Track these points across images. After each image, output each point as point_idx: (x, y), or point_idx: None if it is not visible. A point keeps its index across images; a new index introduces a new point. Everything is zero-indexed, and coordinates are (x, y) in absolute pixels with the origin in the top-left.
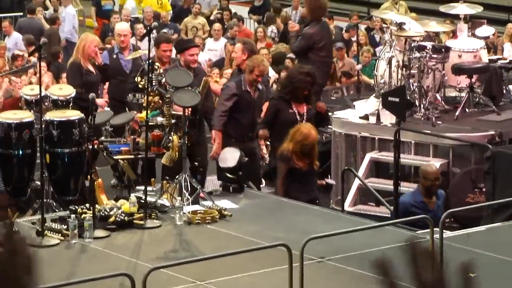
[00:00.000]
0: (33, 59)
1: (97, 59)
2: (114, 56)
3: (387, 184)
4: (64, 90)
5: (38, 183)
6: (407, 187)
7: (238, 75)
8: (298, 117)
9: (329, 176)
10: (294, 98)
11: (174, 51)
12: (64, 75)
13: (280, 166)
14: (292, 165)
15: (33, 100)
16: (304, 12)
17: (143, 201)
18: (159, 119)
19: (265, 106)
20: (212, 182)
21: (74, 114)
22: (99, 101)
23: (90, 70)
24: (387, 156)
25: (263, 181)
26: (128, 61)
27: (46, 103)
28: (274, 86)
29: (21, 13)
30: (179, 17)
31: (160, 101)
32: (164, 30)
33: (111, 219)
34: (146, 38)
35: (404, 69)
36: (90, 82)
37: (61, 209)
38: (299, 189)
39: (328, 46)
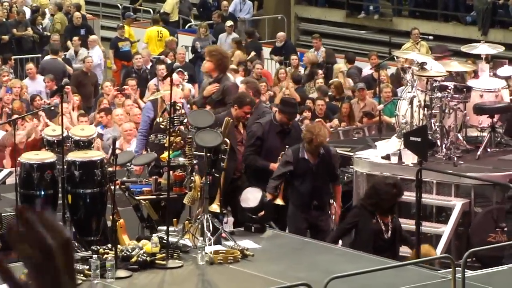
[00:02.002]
0: (55, 100)
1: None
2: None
3: (408, 224)
4: (86, 131)
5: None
6: (429, 227)
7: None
8: (383, 226)
9: None
10: (378, 210)
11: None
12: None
13: None
14: None
15: (55, 141)
16: (210, 67)
17: (165, 241)
18: (181, 159)
19: (338, 192)
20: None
21: (96, 155)
22: None
23: None
24: (409, 196)
25: None
26: None
27: (68, 144)
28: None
29: (40, 55)
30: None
31: (182, 141)
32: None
33: (133, 259)
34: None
35: (425, 109)
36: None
37: (83, 249)
38: None
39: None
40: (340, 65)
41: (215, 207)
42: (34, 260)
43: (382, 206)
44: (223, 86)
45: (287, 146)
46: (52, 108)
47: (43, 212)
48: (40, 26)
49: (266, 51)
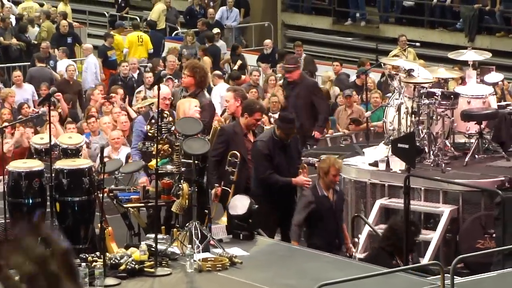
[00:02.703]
0: (42, 108)
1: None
2: (153, 121)
3: None
4: (74, 139)
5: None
6: None
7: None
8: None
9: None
10: (397, 250)
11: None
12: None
13: None
14: None
15: (43, 149)
16: (190, 82)
17: (153, 249)
18: (169, 167)
19: (345, 230)
20: (221, 229)
21: (84, 163)
22: None
23: None
24: (397, 203)
25: None
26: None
27: (56, 152)
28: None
29: (29, 63)
30: None
31: (170, 149)
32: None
33: (122, 267)
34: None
35: (413, 115)
36: None
37: None
38: None
39: None
40: (329, 73)
41: (224, 220)
42: (26, 270)
43: (400, 246)
44: (199, 104)
45: (303, 158)
46: (44, 116)
47: (40, 224)
48: (27, 34)
49: (252, 58)
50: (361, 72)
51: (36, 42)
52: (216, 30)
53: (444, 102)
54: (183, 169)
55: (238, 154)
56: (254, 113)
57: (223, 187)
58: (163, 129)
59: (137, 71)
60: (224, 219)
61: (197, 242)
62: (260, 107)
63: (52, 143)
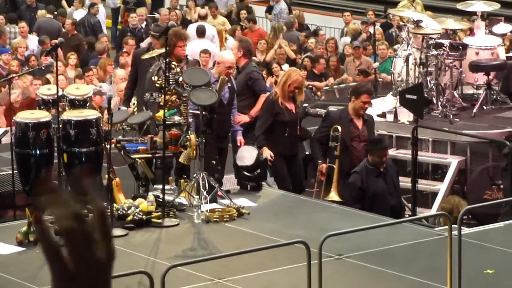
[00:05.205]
0: (50, 59)
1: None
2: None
3: (405, 182)
4: (81, 89)
5: (56, 182)
6: (425, 185)
7: (237, 73)
8: None
9: None
10: None
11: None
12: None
13: None
14: None
15: (50, 100)
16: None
17: (161, 200)
18: (177, 118)
19: None
20: (229, 181)
21: (91, 114)
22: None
23: (287, 108)
24: (405, 154)
25: None
26: (226, 90)
27: (63, 103)
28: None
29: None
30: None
31: (178, 100)
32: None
33: (129, 218)
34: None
35: (421, 66)
36: (281, 122)
37: None
38: None
39: None
40: (353, 25)
41: (332, 195)
42: (65, 225)
43: None
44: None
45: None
46: (50, 67)
47: (82, 179)
48: None
49: (261, 10)
50: (366, 22)
51: None
52: None
53: (453, 53)
54: (190, 120)
55: (340, 128)
56: (360, 96)
57: (329, 164)
58: (170, 80)
59: (144, 22)
60: (332, 195)
61: (205, 193)
62: (366, 89)
63: (59, 94)
